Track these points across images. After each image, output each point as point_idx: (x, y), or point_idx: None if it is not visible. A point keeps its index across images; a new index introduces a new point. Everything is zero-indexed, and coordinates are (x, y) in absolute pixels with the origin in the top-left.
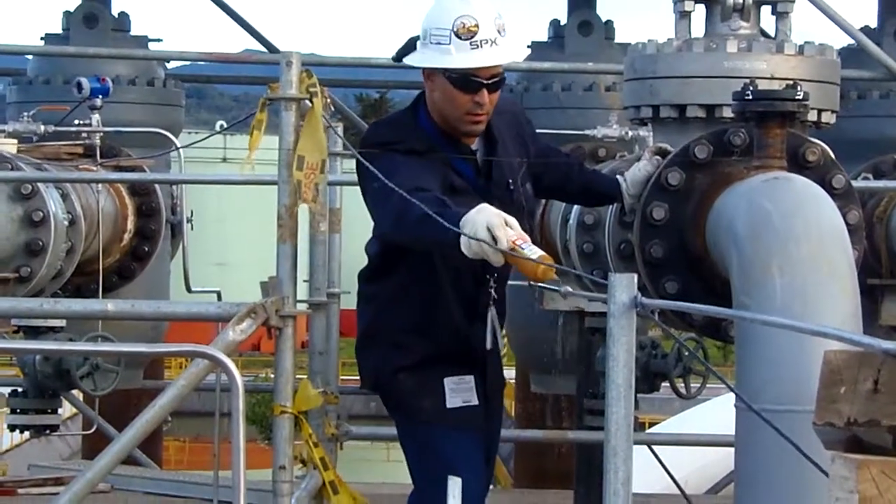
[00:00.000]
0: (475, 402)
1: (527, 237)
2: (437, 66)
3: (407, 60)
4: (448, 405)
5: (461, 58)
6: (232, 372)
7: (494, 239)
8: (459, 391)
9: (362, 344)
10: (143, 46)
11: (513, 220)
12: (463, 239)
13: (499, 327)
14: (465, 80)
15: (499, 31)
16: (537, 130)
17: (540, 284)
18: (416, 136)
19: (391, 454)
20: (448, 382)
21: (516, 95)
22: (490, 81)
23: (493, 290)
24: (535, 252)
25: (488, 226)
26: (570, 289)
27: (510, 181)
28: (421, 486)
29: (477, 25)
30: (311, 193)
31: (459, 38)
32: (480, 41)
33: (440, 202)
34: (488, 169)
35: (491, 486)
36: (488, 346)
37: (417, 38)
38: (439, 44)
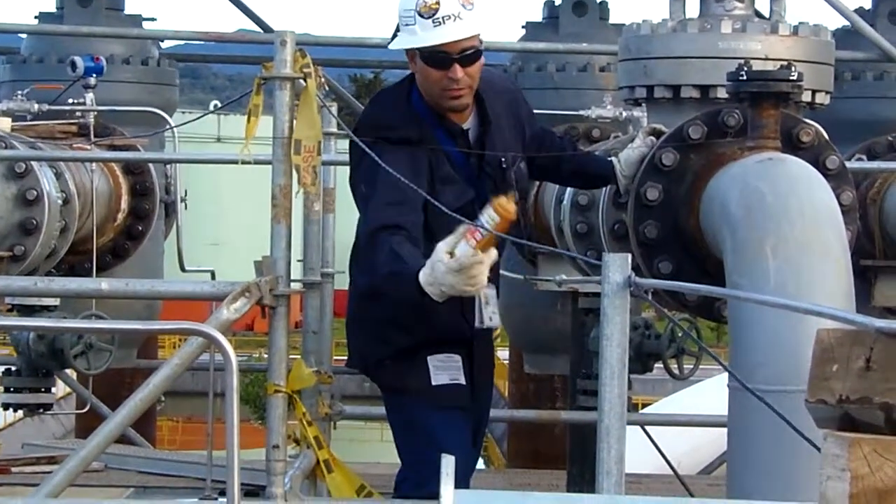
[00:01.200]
0: (462, 380)
1: (468, 227)
2: (405, 47)
3: (390, 46)
4: (434, 382)
5: (424, 36)
6: (226, 350)
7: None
8: (445, 368)
9: (350, 326)
10: (138, 25)
11: (439, 246)
12: (430, 292)
13: (490, 304)
14: (435, 57)
15: (463, 6)
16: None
17: (535, 278)
18: (410, 119)
19: (384, 434)
20: (432, 360)
21: (510, 76)
22: (461, 55)
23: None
24: (486, 216)
25: (451, 271)
26: (564, 276)
27: (503, 160)
28: (407, 462)
29: (438, 3)
30: (311, 177)
31: (422, 16)
32: (443, 17)
33: (395, 256)
34: (481, 148)
35: (484, 467)
36: (477, 323)
37: None
38: (407, 25)
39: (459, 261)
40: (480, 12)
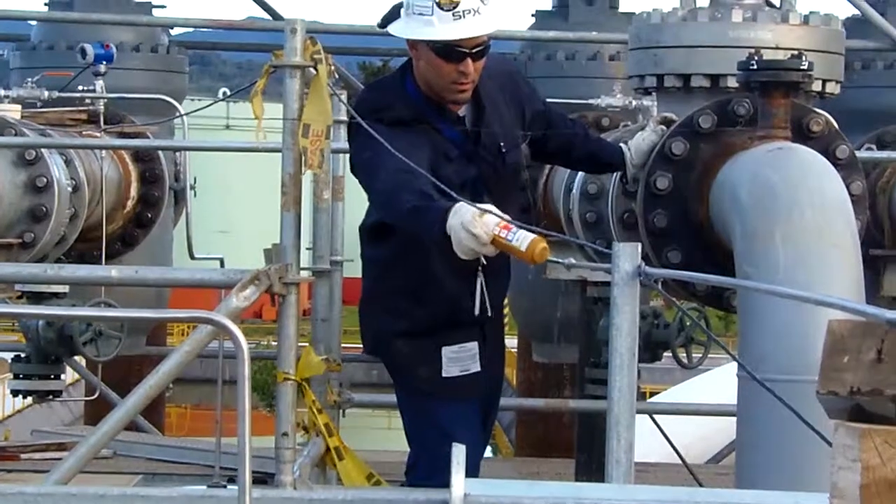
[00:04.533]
0: (475, 369)
1: (509, 221)
2: (421, 38)
3: (391, 30)
4: (444, 374)
5: (444, 29)
6: (237, 338)
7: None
8: (458, 360)
9: (363, 307)
10: (147, 13)
11: (490, 207)
12: (453, 242)
13: (485, 293)
14: (449, 51)
15: (481, 0)
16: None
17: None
18: (403, 103)
19: (392, 422)
20: (446, 352)
21: (519, 64)
22: (474, 51)
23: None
24: (525, 237)
25: (464, 226)
26: (573, 260)
27: (501, 144)
28: (416, 451)
29: None
30: (318, 160)
31: (442, 8)
32: (463, 11)
33: (424, 195)
34: (477, 134)
35: (491, 455)
36: (476, 311)
37: (401, 4)
38: (422, 14)
39: (478, 225)
40: (495, 6)
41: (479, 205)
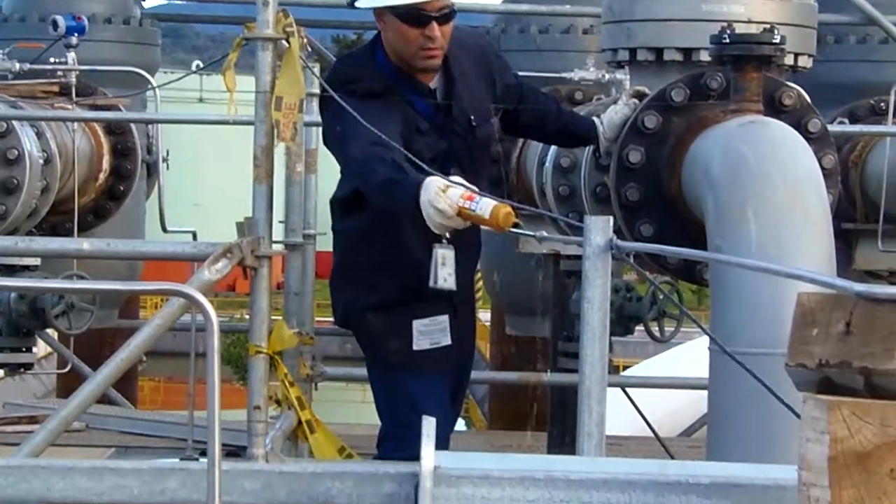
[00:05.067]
0: (446, 342)
1: (473, 191)
2: (383, 6)
3: (359, 3)
4: (415, 347)
5: None
6: (207, 311)
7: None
8: (428, 333)
9: (334, 280)
10: None
11: (456, 180)
12: (425, 218)
13: (446, 265)
14: (414, 15)
15: None
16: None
17: (515, 231)
18: (375, 75)
19: (365, 396)
20: (417, 325)
21: (493, 38)
22: (439, 14)
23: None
24: (487, 205)
25: (431, 202)
26: (545, 233)
27: (472, 118)
28: (387, 424)
29: None
30: (290, 132)
31: None
32: None
33: (397, 167)
34: (448, 107)
35: (465, 428)
36: (430, 283)
37: None
38: None
39: (442, 200)
40: None
41: (444, 178)
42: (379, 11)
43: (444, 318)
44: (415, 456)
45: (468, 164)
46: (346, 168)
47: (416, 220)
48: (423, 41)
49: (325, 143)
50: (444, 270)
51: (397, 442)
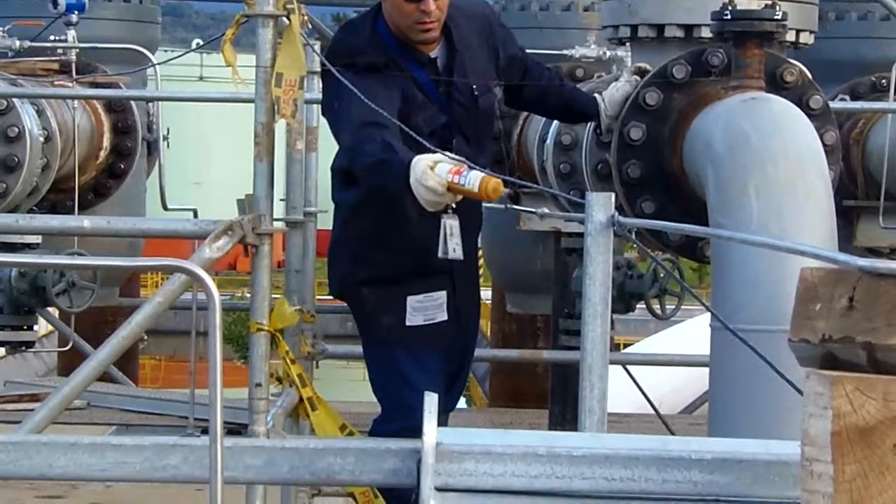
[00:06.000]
0: (442, 318)
1: (461, 163)
2: None
3: None
4: (408, 323)
5: None
6: (209, 287)
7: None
8: (423, 309)
9: (332, 251)
10: None
11: (440, 156)
12: (417, 198)
13: (454, 235)
14: None
15: None
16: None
17: (516, 207)
18: (376, 46)
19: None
20: (411, 301)
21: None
22: None
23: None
24: (476, 178)
25: (419, 181)
26: (546, 210)
27: (473, 87)
28: (378, 395)
29: None
30: (290, 109)
31: None
32: None
33: (387, 146)
34: (449, 76)
35: (466, 406)
36: (440, 254)
37: None
38: None
39: (431, 178)
40: None
41: (430, 156)
42: None
43: (442, 294)
44: (403, 429)
45: (471, 134)
46: (339, 147)
47: (409, 200)
48: (418, 15)
49: (324, 115)
50: (452, 241)
51: (386, 413)
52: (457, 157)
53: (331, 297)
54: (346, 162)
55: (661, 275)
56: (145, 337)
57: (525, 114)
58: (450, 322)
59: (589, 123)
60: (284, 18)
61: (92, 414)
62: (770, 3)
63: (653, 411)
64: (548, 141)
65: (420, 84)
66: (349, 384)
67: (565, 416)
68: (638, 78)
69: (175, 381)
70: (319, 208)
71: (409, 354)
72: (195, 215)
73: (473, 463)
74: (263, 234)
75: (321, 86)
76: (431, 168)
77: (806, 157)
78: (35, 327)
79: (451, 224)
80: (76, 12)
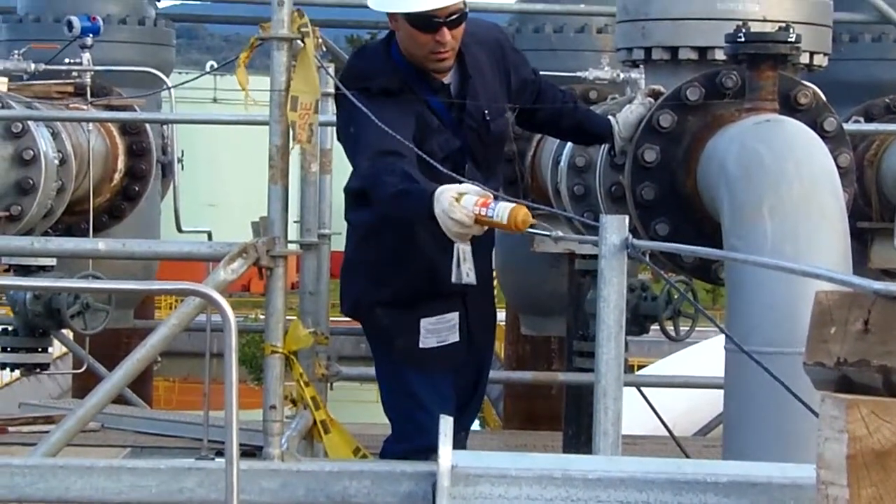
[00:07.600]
0: (454, 339)
1: (489, 196)
2: (394, 11)
3: (370, 4)
4: (421, 346)
5: (415, 1)
6: (224, 309)
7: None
8: (436, 331)
9: (345, 270)
10: None
11: (466, 187)
12: (443, 229)
13: (467, 260)
14: (424, 21)
15: None
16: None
17: (532, 231)
18: (390, 71)
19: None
20: (425, 323)
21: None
22: (449, 19)
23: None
24: (504, 209)
25: (446, 213)
26: (560, 233)
27: (486, 112)
28: (391, 416)
29: None
30: (306, 134)
31: None
32: None
33: (406, 177)
34: (462, 101)
35: (479, 428)
36: (453, 279)
37: None
38: None
39: (457, 210)
40: None
41: (455, 186)
42: (394, 14)
43: (454, 316)
44: (413, 449)
45: (482, 159)
46: (355, 173)
47: (433, 228)
48: (433, 45)
49: (338, 139)
50: (465, 265)
51: (397, 433)
52: (483, 186)
53: (345, 319)
54: (360, 184)
55: (675, 296)
56: (159, 358)
57: (539, 136)
58: (461, 342)
59: (603, 145)
60: (299, 41)
61: (106, 436)
62: (784, 25)
63: (667, 433)
64: (562, 163)
65: (433, 109)
66: (363, 405)
67: (580, 438)
68: (652, 100)
69: (188, 402)
70: (333, 230)
71: (422, 376)
72: (210, 237)
73: (489, 486)
74: (278, 257)
75: (335, 109)
76: (457, 199)
77: (820, 179)
78: (50, 349)
79: (463, 249)
80: (91, 35)
